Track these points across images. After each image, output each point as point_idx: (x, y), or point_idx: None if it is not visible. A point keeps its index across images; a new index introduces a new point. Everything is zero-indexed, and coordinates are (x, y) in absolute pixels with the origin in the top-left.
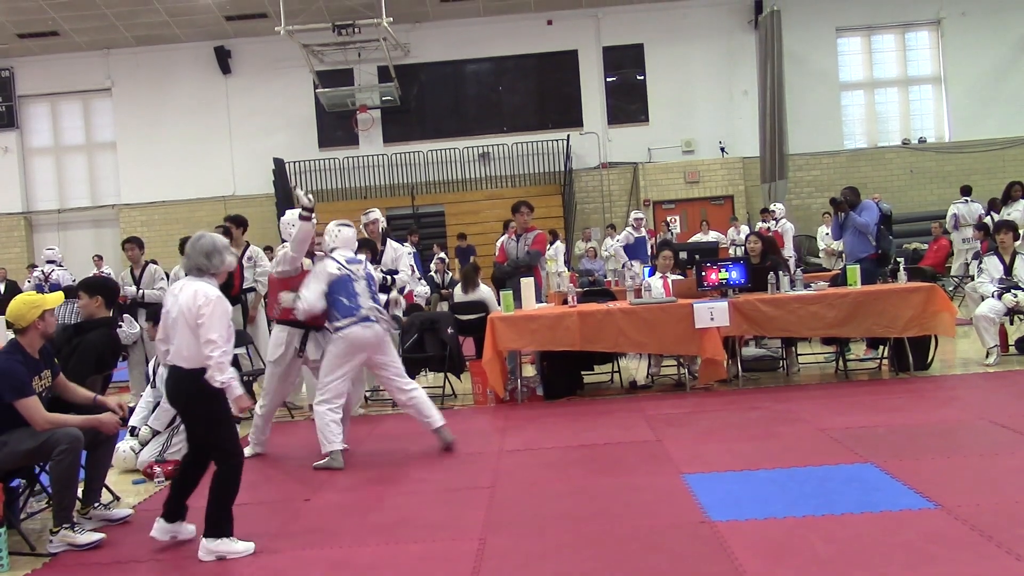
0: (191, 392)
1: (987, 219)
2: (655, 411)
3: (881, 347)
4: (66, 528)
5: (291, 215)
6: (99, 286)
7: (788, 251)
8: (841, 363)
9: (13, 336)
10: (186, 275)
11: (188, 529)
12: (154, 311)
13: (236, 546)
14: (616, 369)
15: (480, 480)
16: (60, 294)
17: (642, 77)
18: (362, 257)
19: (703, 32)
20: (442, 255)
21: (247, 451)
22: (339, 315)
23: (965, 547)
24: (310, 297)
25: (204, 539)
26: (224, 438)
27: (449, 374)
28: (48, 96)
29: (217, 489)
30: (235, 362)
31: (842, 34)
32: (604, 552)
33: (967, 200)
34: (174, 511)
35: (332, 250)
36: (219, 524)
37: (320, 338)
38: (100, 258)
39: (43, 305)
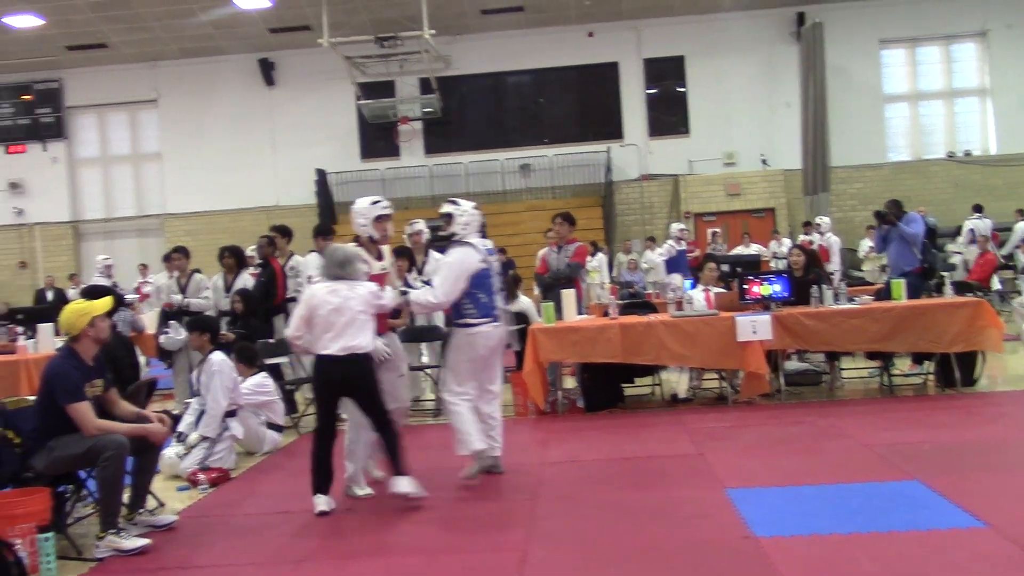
0: (372, 369)
1: None
2: (697, 425)
3: (926, 362)
4: (112, 533)
5: (361, 204)
6: (97, 295)
7: (835, 264)
8: (885, 378)
9: (66, 343)
10: (327, 280)
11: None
12: (197, 320)
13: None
14: (657, 382)
15: (521, 492)
16: (108, 299)
17: (683, 89)
18: (494, 248)
19: (744, 44)
20: None
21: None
22: (476, 312)
23: (1015, 567)
24: (448, 290)
25: (399, 479)
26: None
27: None
28: (96, 107)
29: (395, 440)
30: (277, 372)
31: (886, 46)
32: (647, 567)
33: (980, 216)
34: (398, 467)
35: (466, 236)
36: (404, 464)
37: (383, 342)
38: (145, 267)
39: (91, 312)
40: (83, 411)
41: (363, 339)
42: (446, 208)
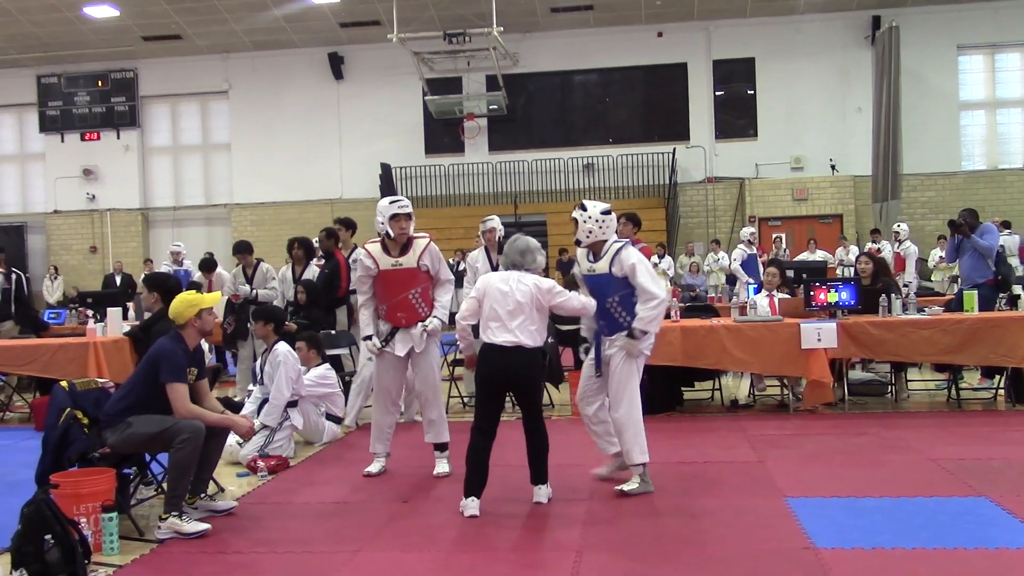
0: (537, 366)
1: None
2: (757, 431)
3: (997, 377)
4: (174, 516)
5: (382, 203)
6: (158, 283)
7: (909, 274)
8: (953, 391)
9: (174, 329)
10: (504, 269)
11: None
12: (262, 310)
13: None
14: (717, 387)
15: (577, 493)
16: (218, 294)
17: (752, 91)
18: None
19: (817, 47)
20: None
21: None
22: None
23: None
24: (663, 292)
25: (541, 486)
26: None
27: (547, 384)
28: (168, 97)
29: (543, 444)
30: (338, 363)
31: (964, 52)
32: (704, 574)
33: (1009, 232)
34: (540, 474)
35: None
36: (546, 472)
37: (407, 337)
38: (211, 254)
39: (200, 304)
40: (181, 391)
41: (530, 331)
42: (574, 213)
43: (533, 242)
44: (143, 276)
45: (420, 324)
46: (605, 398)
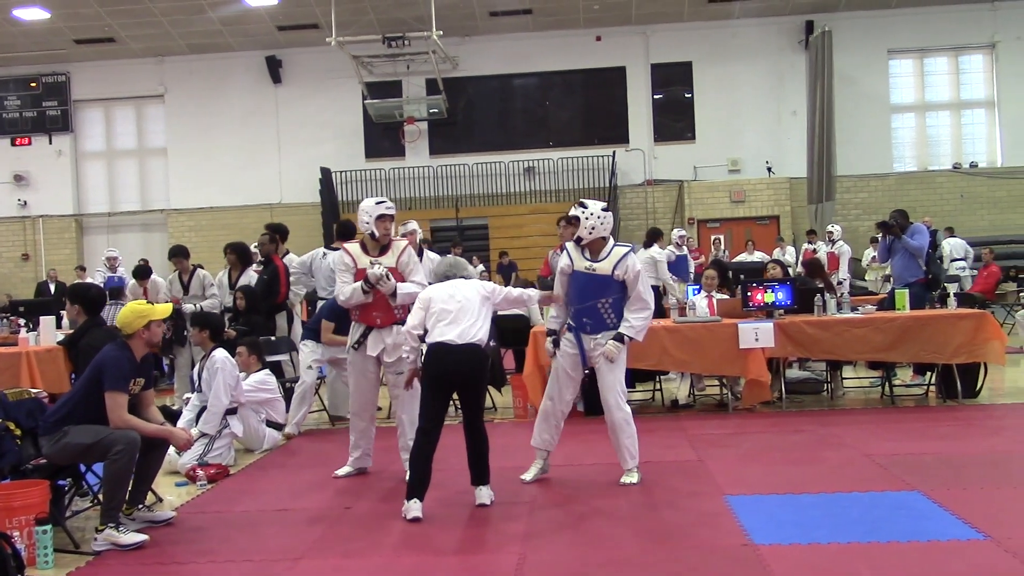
0: (486, 364)
1: None
2: (697, 431)
3: (928, 373)
4: (111, 527)
5: (368, 203)
6: (79, 295)
7: (843, 273)
8: (887, 388)
9: (120, 338)
10: (438, 281)
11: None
12: (198, 316)
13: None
14: (658, 387)
15: (520, 495)
16: (169, 306)
17: (690, 95)
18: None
19: (752, 51)
20: (481, 267)
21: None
22: None
23: None
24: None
25: (483, 487)
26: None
27: (489, 387)
28: (102, 101)
29: (484, 444)
30: (278, 369)
31: (894, 56)
32: (644, 572)
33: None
34: (482, 475)
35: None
36: (487, 473)
37: (379, 338)
38: (146, 261)
39: (150, 316)
40: (119, 401)
41: (481, 330)
42: (573, 211)
43: (461, 260)
44: (70, 287)
45: (395, 326)
46: (571, 396)
